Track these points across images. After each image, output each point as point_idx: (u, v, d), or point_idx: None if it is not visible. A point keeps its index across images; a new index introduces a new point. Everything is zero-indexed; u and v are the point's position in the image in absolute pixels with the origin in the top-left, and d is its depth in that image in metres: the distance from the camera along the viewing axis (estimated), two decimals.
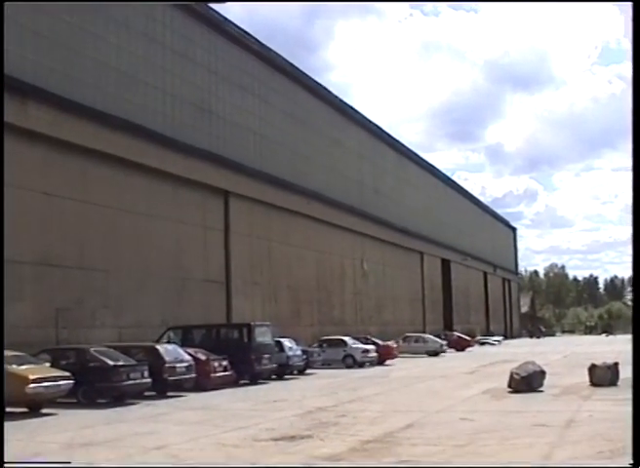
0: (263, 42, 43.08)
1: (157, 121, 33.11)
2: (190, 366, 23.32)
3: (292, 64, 46.72)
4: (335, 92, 53.74)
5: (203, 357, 24.81)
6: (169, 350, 23.69)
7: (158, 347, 23.64)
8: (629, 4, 7.84)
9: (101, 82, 30.10)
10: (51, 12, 27.55)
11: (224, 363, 25.28)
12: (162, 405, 20.15)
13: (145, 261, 32.29)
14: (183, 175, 34.51)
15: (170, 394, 22.35)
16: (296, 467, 8.31)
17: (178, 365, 22.86)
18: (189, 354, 24.14)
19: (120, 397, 20.40)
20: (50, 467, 8.96)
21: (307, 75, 49.16)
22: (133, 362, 21.36)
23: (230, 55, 39.59)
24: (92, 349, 21.49)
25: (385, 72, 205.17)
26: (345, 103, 55.97)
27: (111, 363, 20.54)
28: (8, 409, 16.78)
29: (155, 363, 21.88)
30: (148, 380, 21.11)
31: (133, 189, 31.74)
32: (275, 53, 44.51)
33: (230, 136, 38.94)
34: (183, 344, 26.36)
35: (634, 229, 7.90)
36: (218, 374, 24.81)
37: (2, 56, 23.09)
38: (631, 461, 6.99)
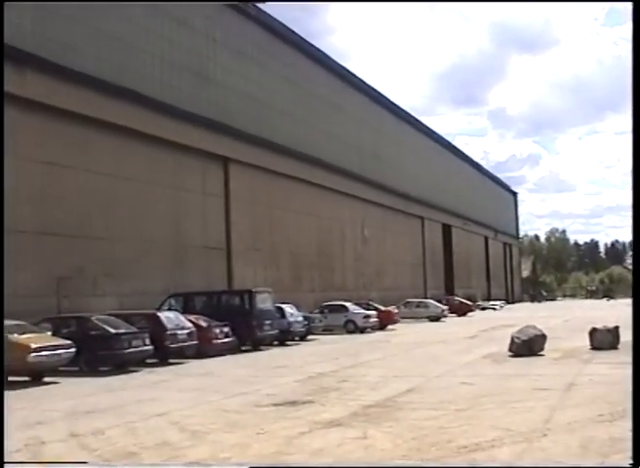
0: (261, 7, 42.75)
1: (156, 89, 32.98)
2: (192, 333, 23.42)
3: (290, 29, 46.35)
4: (336, 56, 54.00)
5: (204, 324, 24.95)
6: (170, 317, 23.79)
7: (159, 314, 23.77)
8: (629, 4, 7.74)
9: (100, 50, 29.92)
10: None
11: (226, 329, 25.40)
12: (164, 372, 20.27)
13: (146, 229, 32.37)
14: (183, 143, 34.49)
15: (171, 361, 22.48)
16: (296, 467, 8.34)
17: (179, 332, 22.98)
18: (190, 321, 24.24)
19: (122, 365, 20.49)
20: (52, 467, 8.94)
21: (306, 40, 48.90)
22: (134, 329, 21.45)
23: (228, 21, 39.35)
24: (93, 317, 21.54)
25: (388, 35, 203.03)
26: (345, 68, 55.73)
27: (113, 331, 20.62)
28: (10, 379, 16.93)
29: (156, 330, 21.99)
30: (150, 348, 21.21)
31: (132, 157, 31.73)
32: (273, 18, 44.13)
33: (229, 102, 38.77)
34: (185, 311, 26.43)
35: (634, 218, 7.85)
36: (219, 341, 24.96)
37: (2, 56, 23.15)
38: (631, 461, 7.04)
